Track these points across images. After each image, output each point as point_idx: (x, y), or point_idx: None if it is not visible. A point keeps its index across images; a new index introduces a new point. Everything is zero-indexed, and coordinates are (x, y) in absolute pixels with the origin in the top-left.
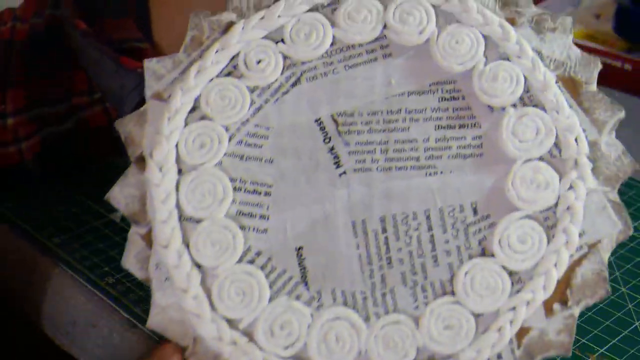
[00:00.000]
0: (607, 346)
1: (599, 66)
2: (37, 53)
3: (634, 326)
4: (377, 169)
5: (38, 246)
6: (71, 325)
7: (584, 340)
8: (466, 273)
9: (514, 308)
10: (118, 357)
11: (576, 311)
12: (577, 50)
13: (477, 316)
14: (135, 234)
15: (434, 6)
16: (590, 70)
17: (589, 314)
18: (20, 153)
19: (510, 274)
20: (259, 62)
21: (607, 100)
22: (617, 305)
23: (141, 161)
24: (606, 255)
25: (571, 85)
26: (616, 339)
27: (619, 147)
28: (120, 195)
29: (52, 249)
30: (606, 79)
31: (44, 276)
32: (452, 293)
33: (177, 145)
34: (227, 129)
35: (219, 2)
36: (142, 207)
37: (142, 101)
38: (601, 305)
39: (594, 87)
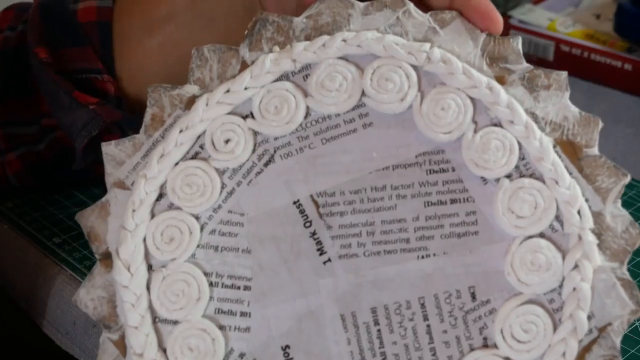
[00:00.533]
0: None
1: (600, 125)
2: (4, 71)
3: (634, 326)
4: (364, 254)
5: (38, 246)
6: (71, 325)
7: None
8: None
9: None
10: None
11: None
12: (575, 110)
13: None
14: (107, 340)
15: (415, 67)
16: (591, 131)
17: None
18: (3, 166)
19: None
20: (227, 141)
21: (610, 165)
22: None
23: (107, 258)
24: (618, 340)
25: (570, 150)
26: None
27: (627, 218)
28: (87, 298)
29: (52, 249)
30: (606, 79)
31: (44, 276)
32: None
33: (144, 240)
34: (197, 218)
35: (180, 33)
36: (112, 310)
37: (90, 141)
38: None
39: (595, 150)
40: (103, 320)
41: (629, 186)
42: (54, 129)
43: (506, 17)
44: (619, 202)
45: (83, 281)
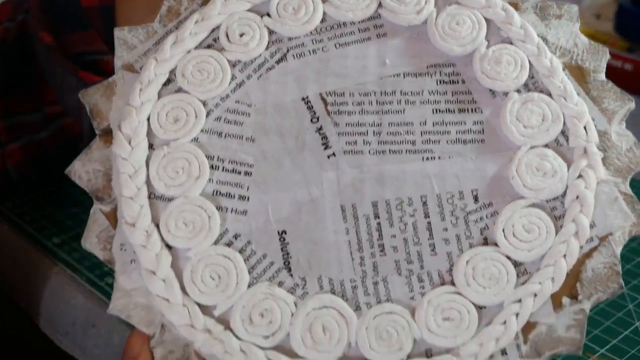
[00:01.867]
0: (607, 346)
1: (608, 55)
2: (7, 61)
3: (634, 326)
4: (369, 151)
5: (38, 246)
6: (71, 325)
7: (584, 341)
8: (467, 262)
9: (519, 300)
10: (118, 357)
11: (587, 306)
12: (585, 39)
13: (479, 308)
14: (98, 211)
15: None
16: (599, 59)
17: (589, 314)
18: (3, 158)
19: (516, 264)
20: (241, 35)
21: (617, 90)
22: (617, 306)
23: (107, 135)
24: (619, 249)
25: (578, 74)
26: (616, 339)
27: (631, 138)
28: (81, 170)
29: (52, 249)
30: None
31: (44, 276)
32: (452, 283)
33: (148, 119)
34: (204, 104)
35: None
36: (106, 183)
37: None
38: (601, 305)
39: (602, 76)
40: (96, 192)
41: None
42: (60, 116)
43: None
44: (624, 124)
45: (79, 155)
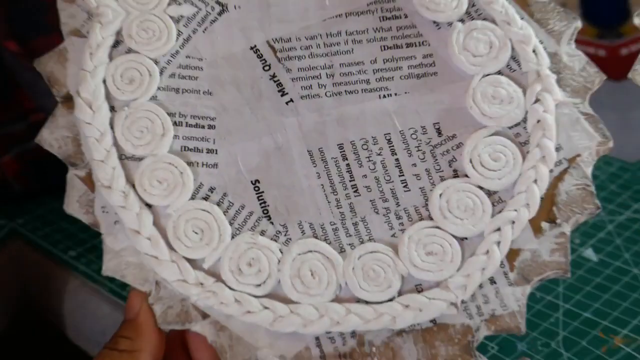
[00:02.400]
0: (629, 327)
1: None
2: None
3: (634, 325)
4: (325, 94)
5: (56, 260)
6: (101, 334)
7: (605, 323)
8: (440, 195)
9: (498, 229)
10: None
11: (567, 229)
12: None
13: (461, 240)
14: (74, 177)
15: None
16: None
17: (606, 296)
18: (2, 169)
19: (489, 194)
20: None
21: (560, 10)
22: (632, 287)
23: (69, 101)
24: (589, 169)
25: None
26: (637, 320)
27: (582, 57)
28: (50, 138)
29: (70, 262)
30: None
31: (66, 290)
32: (430, 218)
33: (104, 82)
34: (156, 62)
35: None
36: (77, 148)
37: None
38: (617, 287)
39: None
40: (69, 159)
41: (622, 169)
42: (43, 122)
43: None
44: (573, 44)
45: (45, 123)
